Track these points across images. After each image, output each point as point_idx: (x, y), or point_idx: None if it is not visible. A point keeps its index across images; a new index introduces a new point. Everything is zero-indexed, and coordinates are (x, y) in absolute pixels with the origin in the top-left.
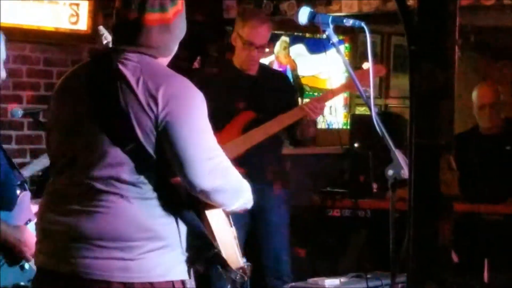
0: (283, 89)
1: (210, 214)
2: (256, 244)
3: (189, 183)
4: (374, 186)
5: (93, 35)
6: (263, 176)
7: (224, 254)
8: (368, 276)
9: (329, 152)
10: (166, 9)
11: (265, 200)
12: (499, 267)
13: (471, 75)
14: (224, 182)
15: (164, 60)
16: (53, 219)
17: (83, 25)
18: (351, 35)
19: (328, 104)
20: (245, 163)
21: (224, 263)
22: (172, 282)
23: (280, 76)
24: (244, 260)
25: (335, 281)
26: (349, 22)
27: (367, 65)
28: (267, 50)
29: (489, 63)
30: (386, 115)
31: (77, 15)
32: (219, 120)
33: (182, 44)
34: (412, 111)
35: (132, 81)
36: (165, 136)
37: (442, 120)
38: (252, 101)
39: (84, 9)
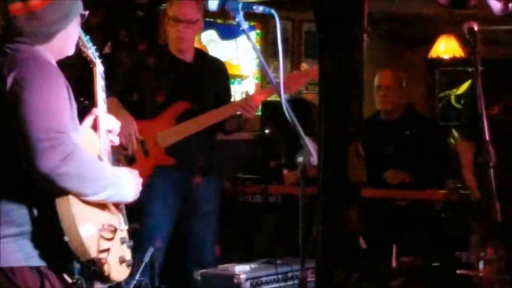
0: (219, 77)
1: (61, 201)
2: (183, 231)
3: (26, 163)
4: (285, 171)
5: None
6: (193, 165)
7: (72, 244)
8: (278, 262)
9: (240, 138)
10: None
11: (195, 189)
12: (407, 251)
13: (381, 63)
14: (66, 166)
15: (47, 47)
16: None
17: None
18: (262, 21)
19: (239, 90)
20: (176, 152)
21: (70, 253)
22: (37, 268)
23: (216, 63)
24: (106, 253)
25: (246, 267)
26: (259, 9)
27: (305, 66)
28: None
29: (399, 51)
30: (297, 101)
31: None
32: (152, 108)
33: (92, 29)
34: (322, 99)
35: None
36: (9, 117)
37: (351, 107)
38: (186, 89)
39: None
